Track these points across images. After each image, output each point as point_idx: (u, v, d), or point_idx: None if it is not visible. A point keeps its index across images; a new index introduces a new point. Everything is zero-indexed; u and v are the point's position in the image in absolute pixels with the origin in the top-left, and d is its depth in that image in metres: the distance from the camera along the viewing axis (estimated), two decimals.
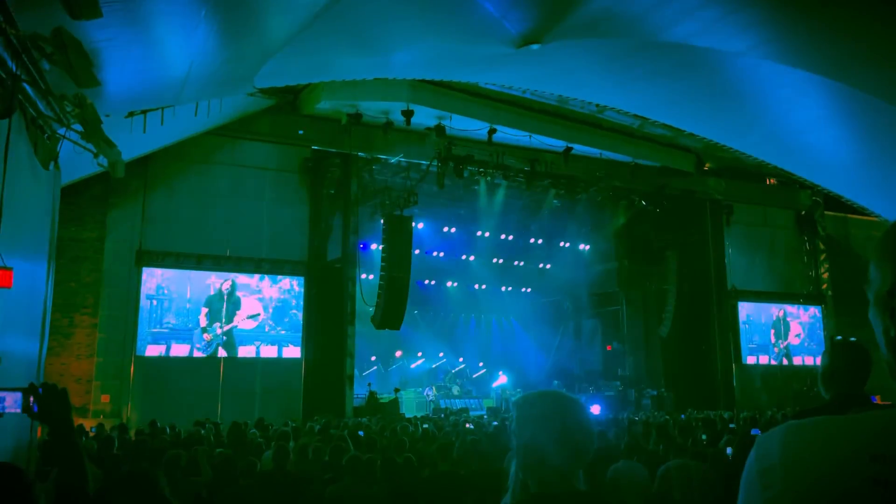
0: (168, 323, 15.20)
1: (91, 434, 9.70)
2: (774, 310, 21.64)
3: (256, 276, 16.16)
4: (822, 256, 22.37)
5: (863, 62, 7.81)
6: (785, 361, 21.38)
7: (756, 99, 10.64)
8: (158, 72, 8.10)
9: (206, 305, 15.62)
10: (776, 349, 21.39)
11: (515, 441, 1.56)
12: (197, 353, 15.33)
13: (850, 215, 21.37)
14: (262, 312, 16.11)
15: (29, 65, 6.17)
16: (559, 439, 1.49)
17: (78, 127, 7.76)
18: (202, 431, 9.02)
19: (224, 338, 15.64)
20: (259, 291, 16.22)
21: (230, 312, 15.87)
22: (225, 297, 15.85)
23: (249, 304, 16.08)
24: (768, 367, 21.02)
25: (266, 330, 16.19)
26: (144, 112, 10.45)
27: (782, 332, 21.60)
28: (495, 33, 8.57)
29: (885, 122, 9.23)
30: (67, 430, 2.14)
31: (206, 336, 15.47)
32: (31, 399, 2.15)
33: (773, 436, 0.91)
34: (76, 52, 5.16)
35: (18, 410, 2.18)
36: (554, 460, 1.49)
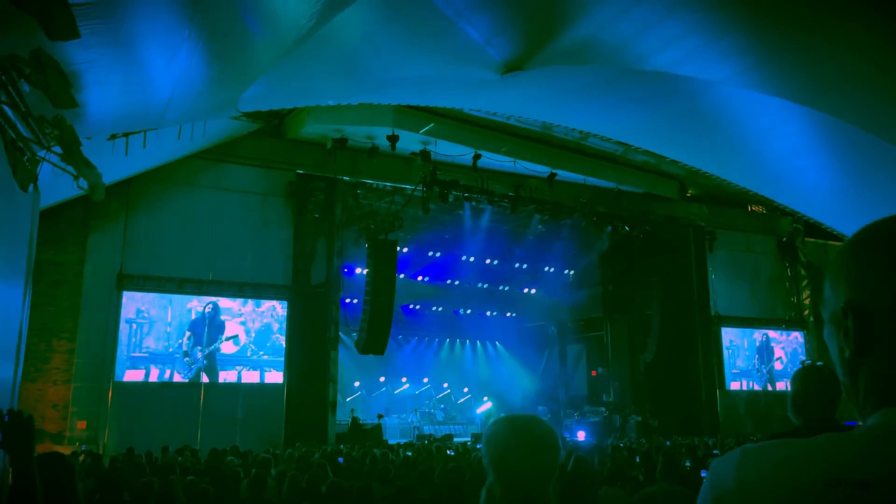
0: (147, 347, 14.97)
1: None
2: (757, 335, 21.73)
3: (239, 300, 16.00)
4: (804, 282, 22.58)
5: (840, 91, 7.94)
6: (769, 387, 21.44)
7: (737, 126, 10.78)
8: (141, 94, 8.06)
9: (189, 329, 15.41)
10: (759, 374, 21.45)
11: (485, 460, 1.60)
12: (178, 378, 15.10)
13: (829, 242, 21.63)
14: (241, 335, 15.93)
15: (8, 86, 6.11)
16: (529, 458, 1.52)
17: (58, 149, 7.68)
18: (179, 458, 8.83)
19: (205, 361, 15.42)
20: (240, 315, 16.06)
21: (212, 336, 15.68)
22: (207, 320, 15.66)
23: (231, 328, 15.91)
24: (752, 392, 21.06)
25: (248, 354, 15.99)
26: (126, 135, 10.38)
27: (765, 357, 21.68)
28: (479, 59, 8.63)
29: (862, 149, 9.36)
30: (28, 459, 2.08)
31: (186, 359, 15.25)
32: None
33: (727, 461, 0.89)
34: (55, 73, 5.12)
35: None
36: (524, 480, 1.52)
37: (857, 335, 0.86)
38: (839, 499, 0.77)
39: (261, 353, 16.08)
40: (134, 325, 14.92)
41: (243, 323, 16.05)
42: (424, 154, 16.30)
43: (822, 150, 10.64)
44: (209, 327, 15.65)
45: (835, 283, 0.92)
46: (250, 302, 16.12)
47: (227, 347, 15.72)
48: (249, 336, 16.06)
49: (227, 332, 15.80)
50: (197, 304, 15.63)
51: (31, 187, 8.31)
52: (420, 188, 16.79)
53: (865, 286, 0.87)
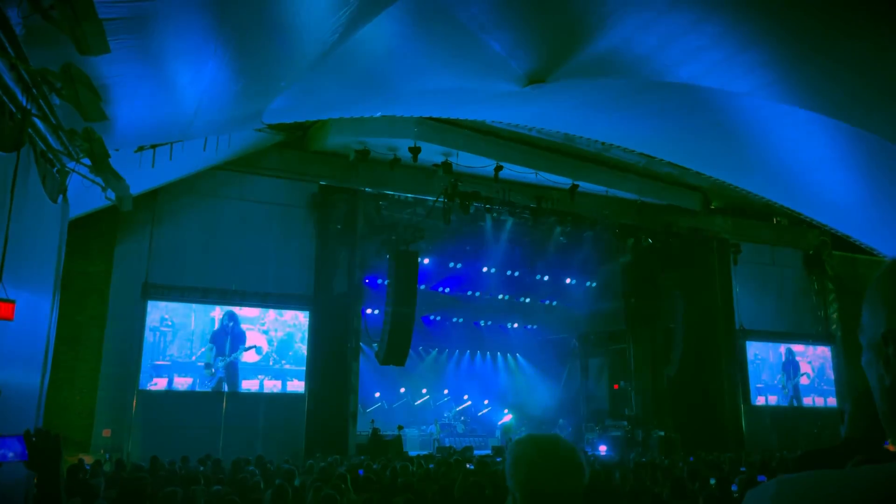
0: (171, 355, 15.14)
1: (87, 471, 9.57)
2: (783, 349, 21.39)
3: (260, 309, 16.13)
4: (831, 296, 22.19)
5: (867, 103, 7.83)
6: (795, 402, 21.07)
7: (762, 138, 10.67)
8: (168, 107, 8.20)
9: (211, 341, 15.55)
10: (785, 390, 21.09)
11: (510, 482, 1.59)
12: (200, 387, 15.23)
13: (857, 255, 21.26)
14: (263, 344, 16.03)
15: (40, 99, 6.26)
16: (555, 479, 1.53)
17: (87, 161, 7.84)
18: (201, 468, 8.89)
19: (223, 373, 15.53)
20: (263, 324, 16.16)
21: (234, 345, 15.80)
22: (229, 329, 15.79)
23: (253, 337, 16.02)
24: (777, 407, 20.71)
25: (270, 363, 16.09)
26: (153, 147, 10.55)
27: (791, 372, 21.32)
28: (501, 72, 8.66)
29: (890, 161, 9.22)
30: (54, 480, 2.10)
31: (208, 370, 15.38)
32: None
33: (763, 493, 0.87)
34: (84, 87, 5.24)
35: (23, 459, 2.15)
36: (550, 500, 1.52)
37: None
38: None
39: (283, 362, 16.16)
40: (157, 334, 15.10)
41: (265, 332, 16.16)
42: (446, 165, 16.35)
43: (850, 162, 10.49)
44: (230, 336, 15.78)
45: (874, 309, 0.90)
46: (272, 311, 16.22)
47: (248, 357, 15.83)
48: (272, 345, 16.16)
49: (249, 342, 15.93)
50: (219, 314, 15.78)
51: (60, 198, 8.49)
52: (442, 199, 16.82)
53: None
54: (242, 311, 15.96)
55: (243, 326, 15.96)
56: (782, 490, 0.85)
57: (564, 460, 1.55)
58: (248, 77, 7.94)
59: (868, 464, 0.87)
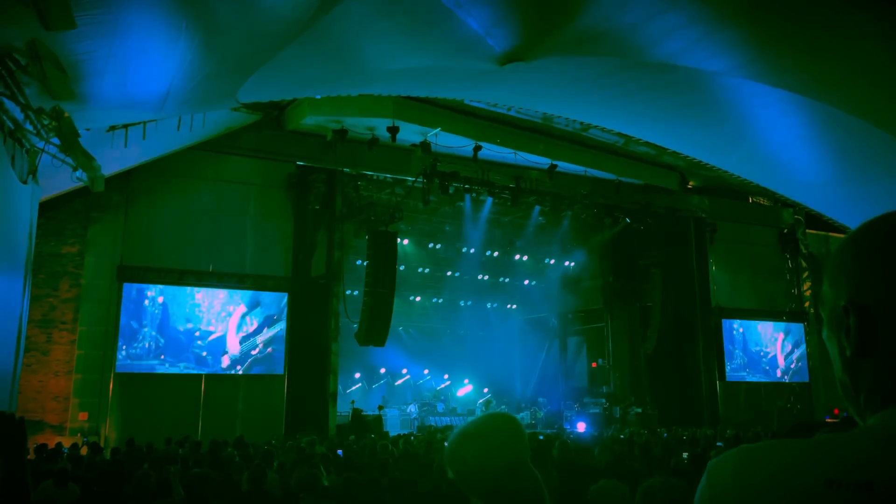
0: (151, 341, 14.90)
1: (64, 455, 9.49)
2: (762, 328, 21.73)
3: (239, 292, 15.98)
4: (805, 274, 22.55)
5: (840, 82, 7.90)
6: (771, 378, 21.47)
7: (738, 118, 10.74)
8: (139, 86, 8.04)
9: (190, 321, 15.37)
10: (764, 369, 21.45)
11: (450, 475, 1.53)
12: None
13: (830, 233, 21.59)
14: (247, 327, 15.89)
15: (7, 77, 6.10)
16: (472, 457, 1.46)
17: (56, 140, 7.68)
18: (180, 451, 8.85)
19: (208, 357, 15.38)
20: (240, 305, 16.02)
21: (215, 329, 15.64)
22: (207, 313, 15.63)
23: (235, 322, 15.86)
24: (752, 383, 21.08)
25: (254, 353, 15.92)
26: (126, 126, 10.36)
27: (770, 350, 21.66)
28: (479, 51, 8.59)
29: (863, 140, 9.33)
30: (20, 463, 2.06)
31: (190, 353, 15.22)
32: None
33: (725, 461, 0.87)
34: (51, 64, 5.10)
35: None
36: (484, 484, 1.46)
37: (860, 334, 0.85)
38: (840, 501, 0.75)
39: (269, 349, 16.05)
40: (138, 322, 14.86)
41: (247, 314, 16.03)
42: (425, 145, 16.26)
43: (824, 141, 10.61)
44: (213, 320, 15.62)
45: (835, 281, 0.90)
46: (252, 293, 16.09)
47: (231, 342, 15.69)
48: (260, 332, 16.00)
49: (231, 326, 15.78)
50: (198, 297, 15.61)
51: (30, 179, 8.31)
52: (420, 180, 16.75)
53: (867, 284, 0.85)
54: (221, 294, 15.80)
55: (228, 308, 15.78)
56: (743, 459, 0.85)
57: (486, 436, 1.48)
58: (220, 54, 7.80)
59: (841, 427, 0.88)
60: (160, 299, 15.18)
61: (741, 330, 21.42)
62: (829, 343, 0.92)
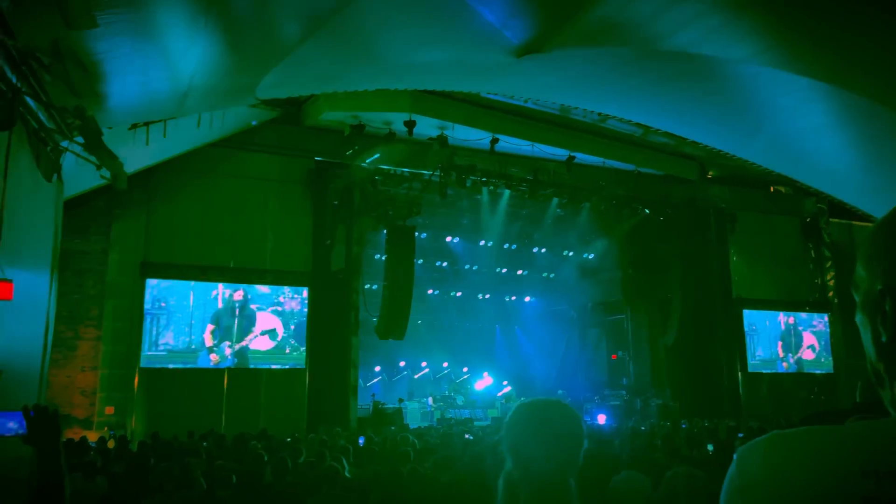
0: (166, 344, 14.95)
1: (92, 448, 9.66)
2: (782, 318, 21.49)
3: (270, 287, 15.97)
4: (828, 264, 22.25)
5: (864, 69, 7.78)
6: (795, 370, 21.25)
7: (759, 106, 10.61)
8: (160, 84, 8.12)
9: (212, 322, 15.39)
10: (784, 363, 21.19)
11: (503, 445, 1.55)
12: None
13: (854, 222, 21.27)
14: (279, 328, 15.91)
15: (30, 76, 6.20)
16: (547, 445, 1.47)
17: (80, 139, 7.79)
18: (204, 444, 8.97)
19: (235, 359, 15.38)
20: (279, 304, 16.02)
21: (242, 329, 15.60)
22: (237, 310, 15.67)
23: (265, 319, 15.88)
24: (775, 374, 20.88)
25: (287, 352, 15.90)
26: (147, 124, 10.48)
27: (793, 344, 21.39)
28: (496, 43, 8.57)
29: (887, 127, 9.18)
30: (55, 455, 2.10)
31: (213, 357, 15.19)
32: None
33: (755, 449, 0.85)
34: (74, 63, 5.18)
35: (23, 433, 2.16)
36: (541, 467, 1.47)
37: None
38: (876, 490, 0.73)
39: (288, 342, 16.11)
40: (150, 319, 14.94)
41: (280, 313, 16.00)
42: (442, 139, 16.25)
43: (847, 129, 10.46)
44: (239, 318, 15.65)
45: (870, 264, 0.86)
46: (287, 288, 16.09)
47: (261, 342, 15.64)
48: (288, 329, 15.97)
49: (263, 325, 15.69)
50: (224, 291, 15.64)
51: (54, 177, 8.45)
52: (438, 173, 16.75)
53: None
54: (243, 289, 15.80)
55: (252, 307, 15.76)
56: (774, 444, 0.84)
57: (554, 426, 1.49)
58: (239, 51, 7.85)
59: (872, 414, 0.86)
60: (179, 299, 15.30)
61: (765, 321, 21.20)
62: (862, 328, 0.89)
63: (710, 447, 8.25)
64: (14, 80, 5.37)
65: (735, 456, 0.88)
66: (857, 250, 0.92)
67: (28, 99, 6.37)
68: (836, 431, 0.81)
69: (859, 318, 0.89)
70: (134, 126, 10.34)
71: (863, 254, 0.89)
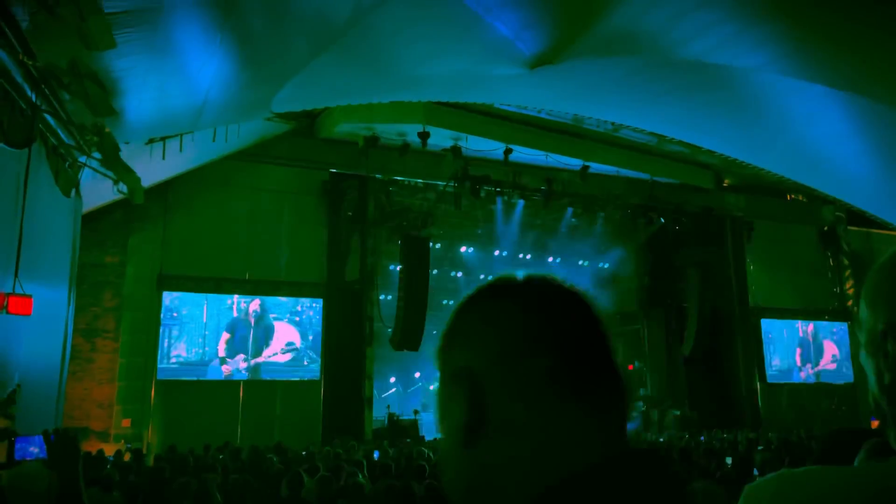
0: (179, 356, 14.99)
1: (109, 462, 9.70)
2: (800, 326, 21.24)
3: (287, 298, 15.98)
4: (847, 272, 21.99)
5: (882, 76, 7.70)
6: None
7: (775, 114, 10.52)
8: (176, 99, 8.21)
9: (228, 330, 15.42)
10: (802, 373, 20.92)
11: None
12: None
13: (873, 230, 21.02)
14: (297, 339, 15.84)
15: (49, 95, 6.28)
16: None
17: (98, 155, 7.88)
18: (220, 457, 8.98)
19: (247, 375, 15.36)
20: (297, 313, 16.02)
21: (259, 342, 15.61)
22: (252, 321, 15.71)
23: (283, 330, 15.88)
24: (794, 384, 20.62)
25: (305, 363, 15.86)
26: (164, 139, 10.58)
27: (812, 353, 21.11)
28: (509, 54, 8.58)
29: None
30: (74, 478, 2.13)
31: (224, 368, 15.19)
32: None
33: (763, 488, 0.84)
34: (92, 82, 5.24)
35: (44, 457, 2.19)
36: None
37: None
38: None
39: (303, 354, 16.11)
40: (172, 328, 15.04)
41: (298, 324, 15.99)
42: (455, 150, 16.28)
43: (865, 136, 10.34)
44: (255, 329, 15.68)
45: (873, 303, 0.85)
46: (288, 300, 16.17)
47: (280, 355, 15.64)
48: (307, 339, 15.94)
49: (283, 337, 15.70)
50: (239, 301, 15.67)
51: (73, 192, 8.54)
52: (452, 184, 16.77)
53: None
54: (258, 301, 15.86)
55: (270, 316, 15.74)
56: (783, 486, 0.82)
57: None
58: (254, 66, 7.92)
59: (883, 449, 0.85)
60: (193, 310, 15.36)
61: (783, 330, 20.96)
62: (866, 367, 0.88)
63: (728, 460, 8.14)
64: (34, 99, 5.45)
65: (742, 494, 0.87)
66: (861, 290, 0.90)
67: (48, 116, 6.46)
68: (844, 473, 0.80)
69: (863, 357, 0.89)
70: (151, 141, 10.44)
71: (865, 294, 0.88)
